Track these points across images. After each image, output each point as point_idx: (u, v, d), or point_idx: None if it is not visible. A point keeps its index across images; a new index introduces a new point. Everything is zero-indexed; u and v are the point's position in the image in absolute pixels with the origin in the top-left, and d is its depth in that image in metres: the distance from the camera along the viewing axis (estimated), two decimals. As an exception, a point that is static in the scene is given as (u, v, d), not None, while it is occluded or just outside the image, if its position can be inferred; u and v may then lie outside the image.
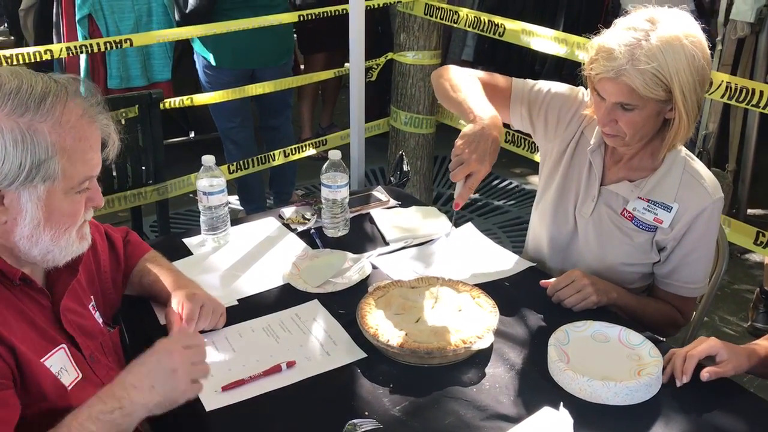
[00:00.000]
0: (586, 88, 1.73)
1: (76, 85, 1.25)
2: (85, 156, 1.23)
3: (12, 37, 5.30)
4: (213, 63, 3.46)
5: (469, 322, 1.54)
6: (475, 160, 1.55)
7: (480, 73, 1.88)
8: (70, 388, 1.27)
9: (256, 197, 3.84)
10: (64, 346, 1.30)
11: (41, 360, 1.24)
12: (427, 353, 1.45)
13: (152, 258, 1.68)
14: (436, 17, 3.37)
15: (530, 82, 1.89)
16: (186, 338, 1.33)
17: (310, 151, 3.64)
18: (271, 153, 3.52)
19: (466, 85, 1.77)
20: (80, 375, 1.31)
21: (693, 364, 1.29)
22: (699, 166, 1.71)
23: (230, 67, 3.49)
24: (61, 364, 1.28)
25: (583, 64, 1.63)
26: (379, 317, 1.56)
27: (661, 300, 1.78)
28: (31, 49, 2.80)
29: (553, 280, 1.68)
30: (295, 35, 4.48)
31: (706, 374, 1.28)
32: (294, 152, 3.58)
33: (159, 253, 1.72)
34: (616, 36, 1.54)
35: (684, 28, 1.53)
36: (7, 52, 2.69)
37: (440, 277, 1.70)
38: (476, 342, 1.48)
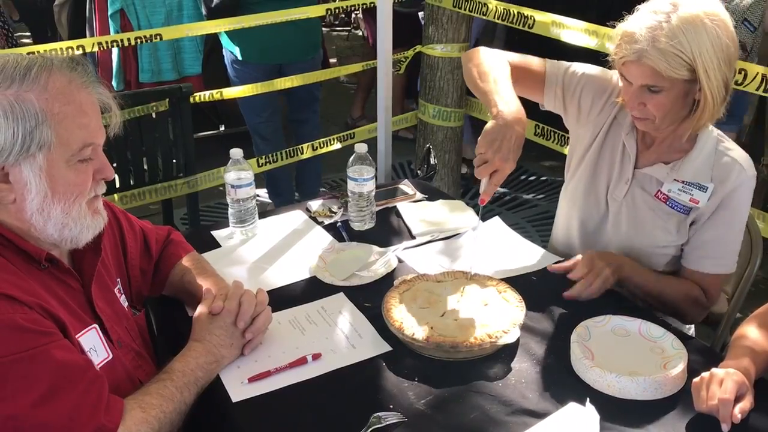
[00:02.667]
0: None
1: (67, 61, 1.27)
2: (78, 120, 1.24)
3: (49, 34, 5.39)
4: (239, 57, 3.48)
5: (496, 317, 1.54)
6: (499, 159, 1.53)
7: (513, 56, 1.85)
8: (98, 368, 1.29)
9: (284, 190, 3.87)
10: (95, 326, 1.33)
11: (76, 336, 1.28)
12: (452, 347, 1.45)
13: (195, 258, 1.69)
14: (465, 9, 3.34)
15: (564, 64, 1.86)
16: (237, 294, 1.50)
17: (337, 145, 3.65)
18: (300, 146, 3.54)
19: (493, 74, 1.74)
20: (110, 355, 1.34)
21: (730, 409, 1.28)
22: (731, 144, 1.70)
23: (257, 62, 3.49)
24: (92, 343, 1.31)
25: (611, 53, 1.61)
26: (405, 311, 1.56)
27: (683, 278, 1.74)
28: (63, 44, 2.85)
29: (567, 264, 1.66)
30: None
31: (739, 415, 1.27)
32: (322, 146, 3.59)
33: (202, 256, 1.74)
34: (639, 19, 1.54)
35: (705, 7, 1.52)
36: (41, 47, 2.74)
37: (467, 271, 1.69)
38: (502, 336, 1.47)
